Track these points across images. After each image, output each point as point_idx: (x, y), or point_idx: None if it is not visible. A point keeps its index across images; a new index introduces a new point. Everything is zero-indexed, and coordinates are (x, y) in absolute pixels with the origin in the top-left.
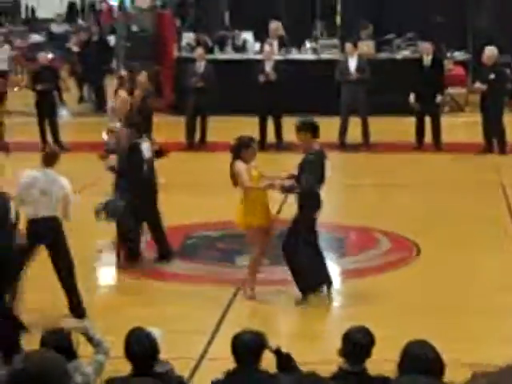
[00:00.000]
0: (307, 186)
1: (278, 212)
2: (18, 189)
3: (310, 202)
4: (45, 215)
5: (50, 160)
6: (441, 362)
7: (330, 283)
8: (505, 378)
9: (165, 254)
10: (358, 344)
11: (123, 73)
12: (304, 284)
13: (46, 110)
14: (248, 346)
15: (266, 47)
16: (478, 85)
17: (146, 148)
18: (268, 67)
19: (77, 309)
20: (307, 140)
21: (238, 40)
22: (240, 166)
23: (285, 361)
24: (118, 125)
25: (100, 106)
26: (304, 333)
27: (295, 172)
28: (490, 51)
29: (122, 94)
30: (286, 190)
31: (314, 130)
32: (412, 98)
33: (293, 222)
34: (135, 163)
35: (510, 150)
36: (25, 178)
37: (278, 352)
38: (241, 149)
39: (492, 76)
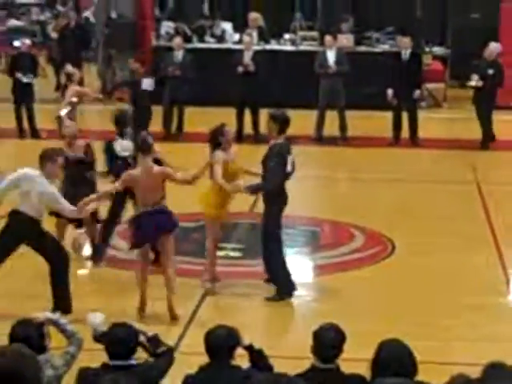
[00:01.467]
0: (271, 187)
1: (253, 206)
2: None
3: (274, 200)
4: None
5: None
6: (414, 361)
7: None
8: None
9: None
10: (328, 342)
11: (70, 69)
12: (281, 288)
13: (24, 97)
14: (221, 342)
15: (246, 38)
16: (474, 81)
17: (121, 145)
18: (247, 58)
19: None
20: (273, 132)
21: (217, 30)
22: (219, 157)
23: (257, 356)
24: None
25: None
26: (276, 328)
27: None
28: (495, 47)
29: (74, 87)
30: (252, 192)
31: (282, 123)
32: (390, 93)
33: (262, 220)
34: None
35: (491, 146)
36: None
37: (250, 348)
38: (217, 136)
39: (491, 71)
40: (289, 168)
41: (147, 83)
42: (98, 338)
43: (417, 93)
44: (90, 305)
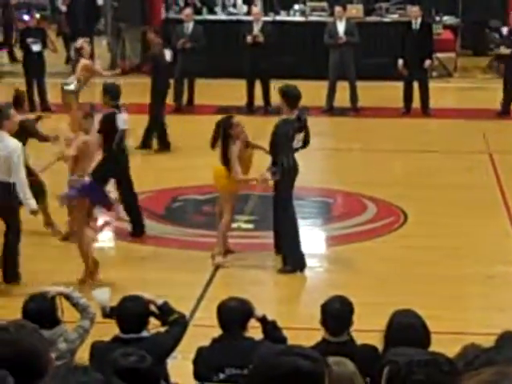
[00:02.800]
0: (287, 167)
1: None
2: None
3: (284, 172)
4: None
5: None
6: (427, 331)
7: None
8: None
9: (137, 231)
10: (336, 314)
11: (80, 43)
12: (291, 261)
13: (35, 70)
14: (233, 314)
15: (254, 9)
16: (503, 49)
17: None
18: (256, 29)
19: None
20: (284, 108)
21: (229, 1)
22: (234, 152)
23: (270, 328)
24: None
25: None
26: (288, 299)
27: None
28: None
29: (85, 62)
30: (271, 178)
31: (292, 99)
32: (400, 63)
33: (274, 191)
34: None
35: (492, 115)
36: None
37: (263, 320)
38: (226, 130)
39: None
40: (295, 144)
41: (168, 54)
42: (108, 314)
43: (427, 63)
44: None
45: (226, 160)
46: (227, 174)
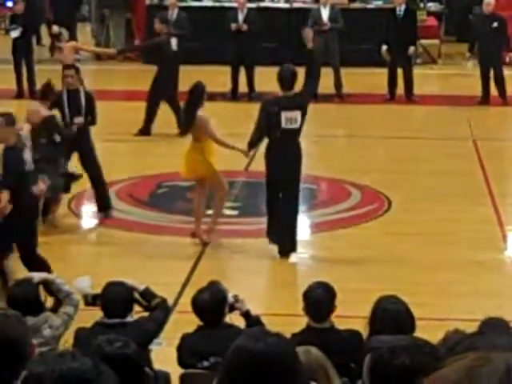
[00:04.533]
0: (251, 140)
1: (248, 165)
2: None
3: (266, 154)
4: None
5: None
6: (411, 317)
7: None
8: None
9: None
10: (318, 300)
11: (56, 29)
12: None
13: (20, 57)
14: (206, 306)
15: None
16: None
17: None
18: (241, 16)
19: None
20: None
21: None
22: (208, 117)
23: (254, 323)
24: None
25: None
26: (273, 286)
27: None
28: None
29: (70, 44)
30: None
31: (279, 80)
32: (384, 48)
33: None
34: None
35: (476, 102)
36: None
37: (246, 315)
38: (203, 95)
39: (495, 24)
40: (283, 124)
41: (174, 43)
42: (90, 301)
43: (411, 49)
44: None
45: (190, 123)
46: (206, 158)
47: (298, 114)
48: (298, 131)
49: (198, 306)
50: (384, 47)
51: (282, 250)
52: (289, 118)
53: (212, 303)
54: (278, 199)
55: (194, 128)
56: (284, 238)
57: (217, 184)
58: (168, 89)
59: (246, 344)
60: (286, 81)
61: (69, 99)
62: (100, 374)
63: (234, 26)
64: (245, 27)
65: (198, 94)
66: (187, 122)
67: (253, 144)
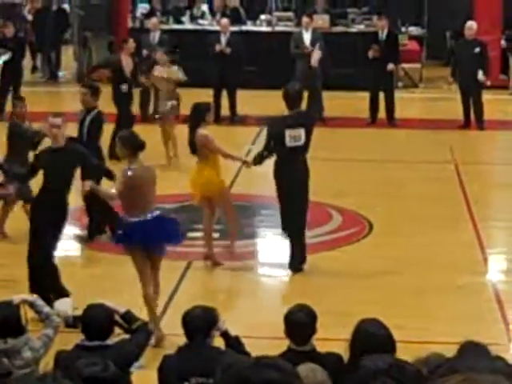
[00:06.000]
0: (255, 163)
1: (230, 187)
2: None
3: (274, 174)
4: None
5: None
6: (392, 340)
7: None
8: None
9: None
10: (299, 323)
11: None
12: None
13: (12, 81)
14: (197, 322)
15: (223, 20)
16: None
17: None
18: (223, 40)
19: None
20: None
21: (198, 11)
22: (207, 134)
23: (233, 343)
24: None
25: (52, 75)
26: (254, 308)
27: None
28: (473, 25)
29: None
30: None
31: (285, 99)
32: (374, 48)
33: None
34: None
35: (457, 126)
36: None
37: (225, 335)
38: (205, 113)
39: (477, 49)
40: (287, 142)
41: (125, 87)
42: (71, 323)
43: (390, 66)
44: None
45: (195, 148)
46: (214, 175)
47: (301, 132)
48: (302, 148)
49: (188, 320)
50: (375, 46)
51: (294, 264)
52: (293, 136)
53: (203, 319)
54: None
55: (199, 147)
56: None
57: (226, 202)
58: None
59: (249, 374)
60: (291, 99)
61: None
62: None
63: (218, 46)
64: (228, 50)
65: (196, 114)
66: (190, 141)
67: (257, 159)
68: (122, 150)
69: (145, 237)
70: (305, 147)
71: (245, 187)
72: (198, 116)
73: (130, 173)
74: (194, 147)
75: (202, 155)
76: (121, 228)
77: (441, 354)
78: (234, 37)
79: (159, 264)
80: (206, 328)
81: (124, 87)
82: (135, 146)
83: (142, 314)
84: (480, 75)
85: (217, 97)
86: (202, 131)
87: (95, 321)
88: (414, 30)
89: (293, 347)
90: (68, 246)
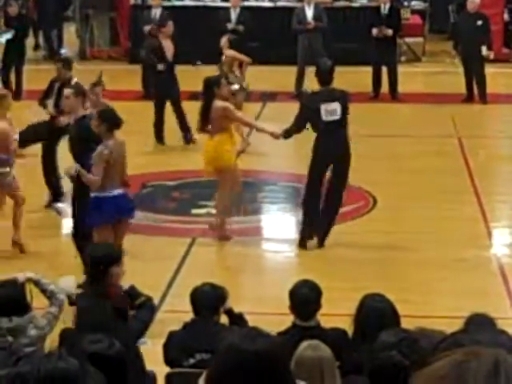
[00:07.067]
0: (284, 134)
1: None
2: None
3: (313, 150)
4: None
5: None
6: (396, 314)
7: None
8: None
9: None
10: (303, 299)
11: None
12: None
13: (11, 58)
14: (206, 299)
15: None
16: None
17: None
18: (233, 15)
19: None
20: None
21: None
22: (227, 104)
23: (237, 321)
24: None
25: (52, 53)
26: (258, 284)
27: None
28: None
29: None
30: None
31: (317, 75)
32: (374, 31)
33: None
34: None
35: (460, 100)
36: None
37: (229, 312)
38: (213, 87)
39: (479, 22)
40: (323, 116)
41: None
42: (74, 301)
43: (390, 31)
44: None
45: (205, 115)
46: (231, 148)
47: (337, 106)
48: (339, 122)
49: (197, 296)
50: (374, 30)
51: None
52: (329, 111)
53: (212, 296)
54: (318, 197)
55: (216, 119)
56: (322, 225)
57: (236, 176)
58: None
59: (239, 344)
60: (324, 75)
61: None
62: (86, 373)
63: (229, 25)
64: (241, 28)
65: (209, 88)
66: (204, 114)
67: (288, 132)
68: (99, 126)
69: (119, 210)
70: (341, 121)
71: (248, 163)
72: (210, 90)
73: (106, 151)
74: (203, 122)
75: (218, 128)
76: (95, 207)
77: (441, 331)
78: (244, 13)
79: (123, 234)
80: (214, 305)
81: (160, 66)
82: (113, 123)
83: (144, 289)
84: (484, 51)
85: None
86: (221, 103)
87: None
88: (416, 4)
89: (297, 323)
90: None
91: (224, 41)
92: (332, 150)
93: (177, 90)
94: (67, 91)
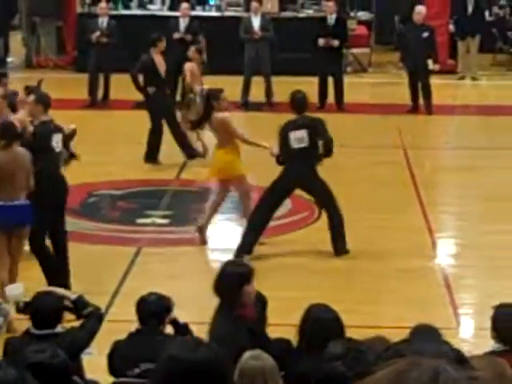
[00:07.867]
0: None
1: (179, 174)
2: None
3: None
4: None
5: None
6: (341, 325)
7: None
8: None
9: None
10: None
11: None
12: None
13: None
14: (152, 308)
15: (183, 4)
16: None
17: None
18: (183, 25)
19: None
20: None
21: None
22: (226, 116)
23: (182, 331)
24: None
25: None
26: (205, 293)
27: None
28: (421, 9)
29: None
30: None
31: (291, 105)
32: (321, 42)
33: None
34: None
35: (406, 111)
36: None
37: (174, 323)
38: (215, 98)
39: (425, 34)
40: (292, 144)
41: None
42: (22, 309)
43: (336, 42)
44: None
45: (196, 124)
46: (236, 160)
47: (304, 133)
48: (307, 149)
49: (143, 305)
50: (321, 40)
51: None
52: (297, 138)
53: (158, 306)
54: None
55: (219, 132)
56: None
57: (245, 186)
58: None
59: (180, 354)
60: (298, 104)
61: None
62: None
63: (176, 35)
64: (189, 37)
65: (208, 101)
66: (198, 121)
67: (279, 161)
68: None
69: (12, 218)
70: (308, 148)
71: (195, 173)
72: (209, 103)
73: None
74: (194, 126)
75: (222, 139)
76: None
77: (385, 338)
78: (193, 22)
79: (20, 246)
80: (160, 314)
81: (151, 89)
82: (10, 137)
83: (90, 299)
84: (431, 65)
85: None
86: (220, 115)
87: (43, 309)
88: (362, 15)
89: None
90: None
91: (192, 50)
92: (298, 177)
93: (168, 106)
94: None
